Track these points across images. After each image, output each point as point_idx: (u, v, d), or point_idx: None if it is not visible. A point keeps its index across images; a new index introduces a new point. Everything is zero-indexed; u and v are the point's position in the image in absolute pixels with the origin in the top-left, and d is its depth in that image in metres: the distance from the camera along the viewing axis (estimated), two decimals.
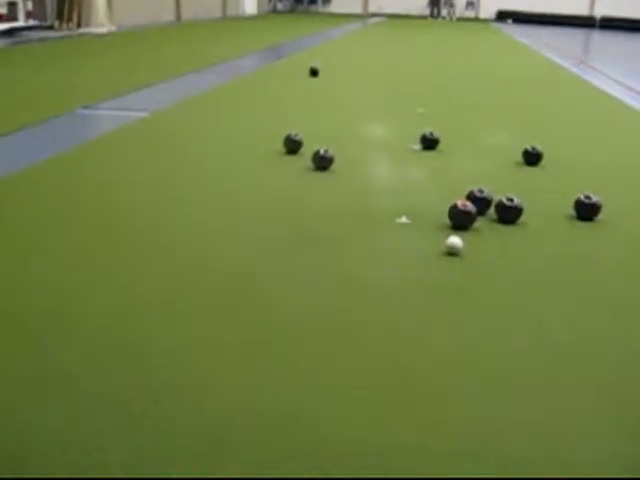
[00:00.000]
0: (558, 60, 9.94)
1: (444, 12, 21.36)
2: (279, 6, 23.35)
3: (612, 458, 1.44)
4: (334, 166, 3.49)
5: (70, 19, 11.91)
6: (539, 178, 3.55)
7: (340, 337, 1.88)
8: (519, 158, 3.78)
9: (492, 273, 2.36)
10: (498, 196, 2.84)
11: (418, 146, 4.03)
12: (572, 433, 1.51)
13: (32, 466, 1.34)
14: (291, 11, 23.00)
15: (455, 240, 2.47)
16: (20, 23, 11.11)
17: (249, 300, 2.08)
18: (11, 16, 10.97)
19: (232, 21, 17.33)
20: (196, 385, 1.63)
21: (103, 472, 1.33)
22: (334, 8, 22.66)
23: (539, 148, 3.76)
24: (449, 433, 1.49)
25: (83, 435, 1.44)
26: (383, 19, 20.30)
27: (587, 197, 2.88)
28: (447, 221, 2.72)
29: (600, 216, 2.88)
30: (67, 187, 3.14)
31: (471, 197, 2.84)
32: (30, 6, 11.45)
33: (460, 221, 2.70)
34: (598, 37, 17.74)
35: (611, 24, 19.94)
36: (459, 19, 21.00)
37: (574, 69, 8.80)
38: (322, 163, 3.48)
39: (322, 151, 3.49)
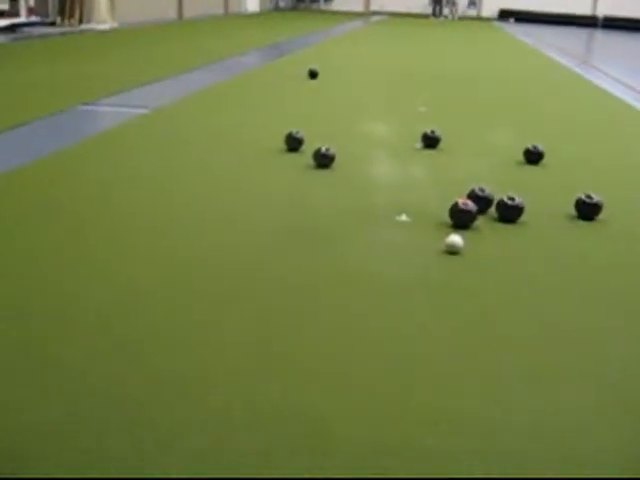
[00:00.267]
0: (560, 59, 9.93)
1: (446, 11, 21.34)
2: (281, 3, 23.34)
3: (613, 457, 1.44)
4: (335, 164, 3.49)
5: (72, 15, 11.90)
6: (540, 177, 3.55)
7: (340, 333, 1.88)
8: (520, 157, 3.78)
9: (492, 272, 2.35)
10: (499, 195, 2.84)
11: (419, 144, 4.03)
12: (573, 432, 1.51)
13: (31, 461, 1.34)
14: (293, 9, 22.99)
15: (455, 238, 2.46)
16: (22, 19, 11.10)
17: (249, 295, 2.08)
18: (13, 12, 10.96)
19: (234, 18, 17.32)
20: (196, 380, 1.63)
21: (101, 465, 1.33)
22: (336, 6, 22.65)
23: (540, 147, 3.76)
24: (449, 431, 1.49)
25: (82, 429, 1.44)
26: (385, 17, 20.28)
27: (588, 197, 2.88)
28: (447, 219, 2.72)
29: (601, 216, 2.87)
30: (67, 183, 3.14)
31: (472, 196, 2.84)
32: (32, 2, 11.45)
33: (460, 220, 2.70)
34: (600, 37, 17.73)
35: (614, 24, 19.92)
36: (461, 18, 20.98)
37: (576, 69, 8.79)
38: (323, 161, 3.48)
39: (323, 149, 3.49)
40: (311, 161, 3.50)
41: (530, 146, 3.77)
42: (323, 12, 21.98)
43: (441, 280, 2.28)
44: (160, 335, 1.83)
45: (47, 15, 11.84)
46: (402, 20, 19.06)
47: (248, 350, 1.78)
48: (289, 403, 1.56)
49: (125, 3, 12.87)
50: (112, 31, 11.80)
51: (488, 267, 2.39)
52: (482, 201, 2.83)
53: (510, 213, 2.80)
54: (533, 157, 3.74)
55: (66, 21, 11.83)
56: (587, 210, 2.88)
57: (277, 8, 22.96)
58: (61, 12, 11.90)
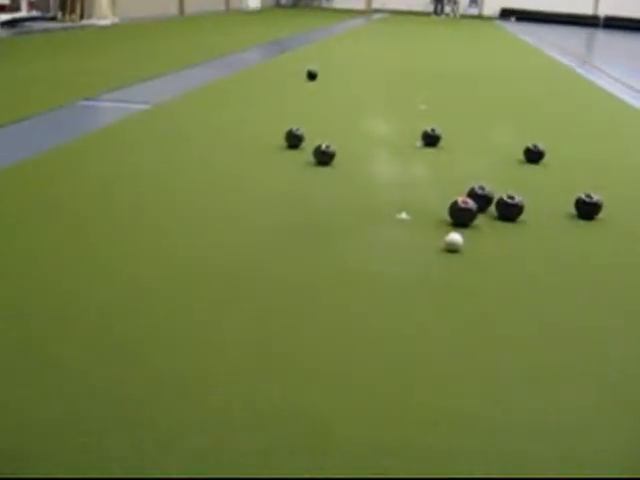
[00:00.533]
0: (561, 59, 9.93)
1: (447, 9, 21.32)
2: (282, 0, 23.31)
3: (613, 457, 1.44)
4: (335, 161, 3.49)
5: (73, 11, 11.88)
6: (540, 176, 3.55)
7: (339, 332, 1.88)
8: (521, 156, 3.77)
9: (491, 270, 2.35)
10: (499, 193, 2.84)
11: (419, 143, 4.03)
12: (573, 432, 1.51)
13: (30, 460, 1.34)
14: (294, 6, 22.96)
15: (455, 237, 2.46)
16: (23, 14, 11.09)
17: (249, 294, 2.08)
18: (14, 6, 10.95)
19: (235, 15, 17.31)
20: (196, 379, 1.63)
21: (101, 463, 1.33)
22: (337, 4, 22.61)
23: (541, 146, 3.76)
24: (449, 430, 1.48)
25: (82, 428, 1.43)
26: (386, 15, 20.26)
27: (588, 196, 2.88)
28: (447, 218, 2.72)
29: (601, 215, 2.87)
30: (67, 179, 3.14)
31: (472, 194, 2.84)
32: None
33: (460, 218, 2.70)
34: (602, 36, 17.72)
35: (615, 24, 19.90)
36: (462, 16, 20.95)
37: (577, 68, 8.78)
38: (323, 158, 3.48)
39: (323, 146, 3.49)
40: (311, 158, 3.50)
41: (530, 145, 3.77)
42: (324, 9, 21.94)
43: (441, 279, 2.27)
44: (160, 335, 1.83)
45: (48, 10, 11.82)
46: (403, 18, 19.04)
47: (248, 350, 1.78)
48: (289, 403, 1.56)
49: None
50: (113, 26, 11.78)
51: (487, 265, 2.39)
52: (482, 199, 2.83)
53: (510, 212, 2.80)
54: (533, 156, 3.74)
55: (67, 16, 11.82)
56: (587, 209, 2.88)
57: (278, 5, 22.93)
58: (62, 7, 11.88)
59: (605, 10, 20.70)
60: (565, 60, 9.76)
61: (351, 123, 4.64)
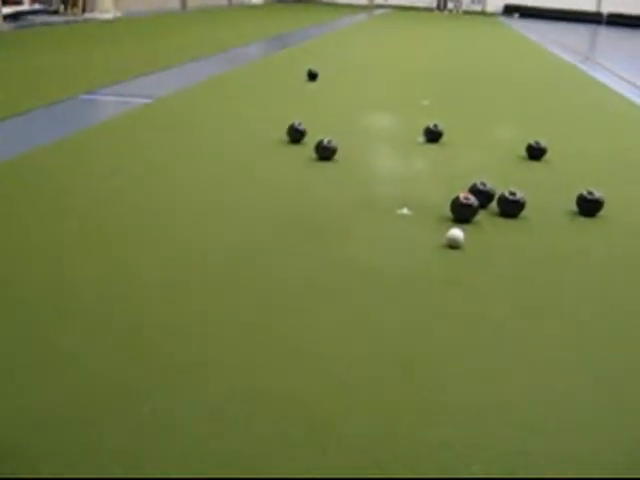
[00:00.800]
0: (564, 56, 9.91)
1: (450, 5, 21.27)
2: None
3: (613, 455, 1.45)
4: (337, 156, 3.49)
5: (75, 4, 11.87)
6: (542, 173, 3.55)
7: (339, 323, 1.88)
8: (523, 152, 3.77)
9: (492, 266, 2.36)
10: (500, 190, 2.84)
11: (422, 138, 4.03)
12: (571, 426, 1.51)
13: (29, 446, 1.35)
14: (296, 1, 22.92)
15: (456, 233, 2.46)
16: (25, 7, 11.08)
17: (250, 284, 2.08)
18: (17, 0, 10.93)
19: (237, 9, 17.29)
20: (196, 369, 1.63)
21: (99, 453, 1.34)
22: None
23: (543, 143, 3.75)
24: (449, 423, 1.49)
25: (81, 415, 1.44)
26: (388, 11, 20.23)
27: (590, 193, 2.88)
28: (449, 213, 2.72)
29: (603, 212, 2.87)
30: (68, 172, 3.14)
31: (473, 190, 2.84)
32: None
33: (462, 214, 2.70)
34: (605, 33, 17.68)
35: (618, 20, 19.86)
36: (465, 12, 20.91)
37: (580, 65, 8.77)
38: (325, 153, 3.48)
39: (325, 141, 3.49)
40: (313, 153, 3.50)
41: (532, 142, 3.76)
42: (326, 4, 21.90)
43: (441, 274, 2.28)
44: (160, 325, 1.83)
45: (51, 3, 11.81)
46: (406, 14, 19.01)
47: (248, 341, 1.78)
48: (288, 394, 1.56)
49: None
50: (115, 20, 11.77)
51: (488, 262, 2.40)
52: (483, 195, 2.83)
53: (511, 208, 2.80)
54: (535, 153, 3.74)
55: (69, 10, 11.81)
56: (588, 206, 2.88)
57: (280, 0, 22.89)
58: (64, 0, 11.87)
59: (608, 7, 20.66)
60: (567, 57, 9.75)
61: (353, 118, 4.63)
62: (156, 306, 1.92)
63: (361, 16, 17.29)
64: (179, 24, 12.14)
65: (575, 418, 1.54)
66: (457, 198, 2.71)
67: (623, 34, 17.21)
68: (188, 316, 1.88)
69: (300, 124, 3.80)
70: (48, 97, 4.69)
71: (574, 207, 2.90)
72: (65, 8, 11.83)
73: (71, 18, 11.44)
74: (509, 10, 21.44)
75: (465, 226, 2.61)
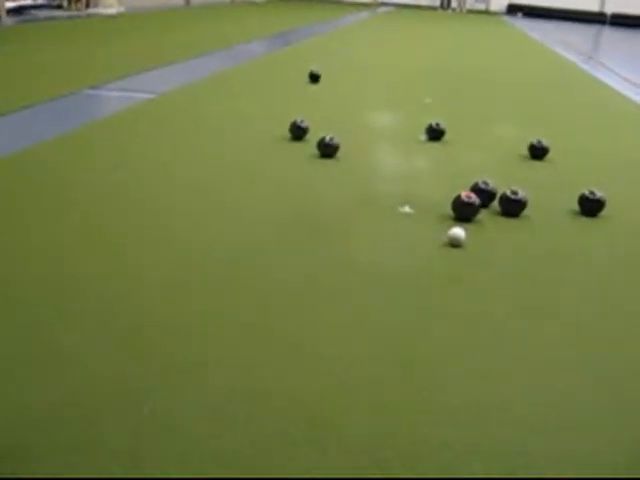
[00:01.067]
0: (567, 55, 9.90)
1: (454, 3, 21.24)
2: None
3: (612, 457, 1.45)
4: (339, 154, 3.49)
5: None
6: (544, 172, 3.55)
7: (340, 323, 1.88)
8: (525, 151, 3.77)
9: (493, 265, 2.36)
10: (502, 189, 2.84)
11: (424, 136, 4.03)
12: (571, 425, 1.51)
13: (29, 444, 1.35)
14: None
15: (457, 231, 2.47)
16: (29, 1, 11.07)
17: (250, 284, 2.08)
18: None
19: (241, 6, 17.26)
20: (196, 368, 1.63)
21: (100, 450, 1.34)
22: None
23: (545, 142, 3.75)
24: (449, 422, 1.49)
25: (81, 413, 1.44)
26: (392, 9, 20.20)
27: (591, 193, 2.88)
28: (450, 212, 2.72)
29: (604, 212, 2.87)
30: (70, 166, 3.14)
31: (475, 189, 2.84)
32: None
33: (463, 212, 2.70)
34: (608, 33, 17.65)
35: (622, 21, 19.82)
36: (469, 11, 20.88)
37: (583, 65, 8.76)
38: (327, 150, 3.48)
39: (327, 138, 3.49)
40: (315, 150, 3.50)
41: (535, 141, 3.76)
42: (330, 2, 21.87)
43: (442, 272, 2.28)
44: (161, 323, 1.84)
45: None
46: (409, 12, 18.98)
47: (248, 339, 1.78)
48: (289, 393, 1.56)
49: None
50: (119, 16, 11.77)
51: (489, 260, 2.40)
52: (485, 194, 2.83)
53: (513, 207, 2.80)
54: (538, 152, 3.74)
55: (73, 5, 11.79)
56: (590, 206, 2.88)
57: None
58: None
59: (612, 7, 20.62)
60: (571, 56, 9.74)
61: (355, 116, 4.63)
62: (156, 305, 1.92)
63: (364, 14, 17.26)
64: (182, 20, 12.12)
65: (575, 418, 1.54)
66: (459, 197, 2.71)
67: (626, 34, 17.17)
68: (188, 315, 1.88)
69: (302, 121, 3.80)
70: (51, 92, 4.69)
71: (576, 206, 2.90)
72: (69, 3, 11.82)
73: (74, 13, 11.43)
74: (513, 9, 21.40)
75: (467, 225, 2.61)
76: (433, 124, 4.03)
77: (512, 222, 2.76)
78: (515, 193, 2.80)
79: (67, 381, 1.55)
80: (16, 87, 4.92)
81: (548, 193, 3.14)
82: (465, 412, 1.53)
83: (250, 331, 1.81)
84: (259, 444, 1.38)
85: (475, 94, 5.83)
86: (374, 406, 1.53)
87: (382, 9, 20.00)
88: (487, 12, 21.55)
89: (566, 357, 1.80)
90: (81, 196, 2.76)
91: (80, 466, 1.30)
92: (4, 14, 9.52)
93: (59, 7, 11.69)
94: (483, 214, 2.76)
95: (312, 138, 3.64)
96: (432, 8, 21.01)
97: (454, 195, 2.73)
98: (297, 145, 3.69)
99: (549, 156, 3.74)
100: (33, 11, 10.86)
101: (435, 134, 4.01)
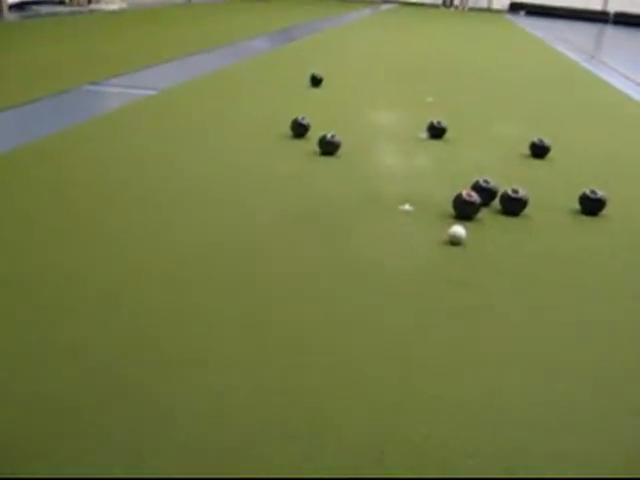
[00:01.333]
0: (569, 54, 9.88)
1: (456, 1, 21.21)
2: None
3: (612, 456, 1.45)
4: (340, 151, 3.49)
5: None
6: (545, 171, 3.54)
7: (340, 319, 1.88)
8: (526, 150, 3.77)
9: (494, 263, 2.35)
10: (503, 187, 2.84)
11: (425, 134, 4.02)
12: (571, 425, 1.51)
13: (31, 434, 1.35)
14: None
15: (458, 229, 2.46)
16: None
17: (250, 279, 2.08)
18: None
19: (244, 2, 17.23)
20: (196, 363, 1.63)
21: (101, 443, 1.34)
22: None
23: (546, 141, 3.75)
24: (449, 421, 1.49)
25: (83, 405, 1.44)
26: (395, 6, 20.18)
27: (592, 192, 2.87)
28: (451, 210, 2.72)
29: (605, 211, 2.87)
30: (70, 162, 3.14)
31: (476, 187, 2.84)
32: None
33: (464, 211, 2.70)
34: (611, 32, 17.63)
35: (625, 20, 19.79)
36: (471, 9, 20.85)
37: (585, 64, 8.75)
38: (328, 148, 3.48)
39: (329, 136, 3.49)
40: (316, 148, 3.49)
41: (536, 140, 3.76)
42: None
43: (442, 271, 2.28)
44: (161, 318, 1.84)
45: None
46: (412, 9, 18.96)
47: (248, 335, 1.78)
48: (288, 389, 1.56)
49: None
50: (121, 12, 11.76)
51: (490, 259, 2.39)
52: (486, 193, 2.83)
53: (514, 206, 2.80)
54: (539, 151, 3.74)
55: (75, 0, 11.78)
56: (591, 205, 2.87)
57: None
58: None
59: (615, 6, 20.59)
60: (573, 55, 9.72)
61: (356, 113, 4.63)
62: (156, 301, 1.92)
63: (367, 11, 17.25)
64: (184, 16, 12.11)
65: (575, 418, 1.54)
66: (460, 195, 2.71)
67: (629, 34, 17.15)
68: (188, 311, 1.88)
69: (304, 118, 3.79)
70: (52, 88, 4.69)
71: (577, 205, 2.90)
72: None
73: (76, 9, 11.42)
74: (515, 7, 21.37)
75: (467, 223, 2.61)
76: (434, 122, 4.02)
77: (513, 221, 2.76)
78: (516, 192, 2.80)
79: (68, 374, 1.55)
80: (17, 83, 4.92)
81: (549, 192, 3.13)
82: (465, 411, 1.53)
83: (250, 328, 1.81)
84: (259, 443, 1.38)
85: (477, 92, 5.83)
86: (374, 405, 1.53)
87: (385, 6, 19.97)
88: (489, 10, 21.52)
89: (566, 357, 1.80)
90: (81, 191, 2.75)
91: (80, 463, 1.29)
92: (6, 10, 9.51)
93: (61, 3, 11.69)
94: (484, 213, 2.76)
95: (313, 136, 3.64)
96: (434, 6, 20.99)
97: (455, 193, 2.72)
98: (298, 142, 3.69)
99: (550, 155, 3.73)
100: (35, 7, 10.85)
101: (436, 132, 4.01)
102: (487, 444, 1.42)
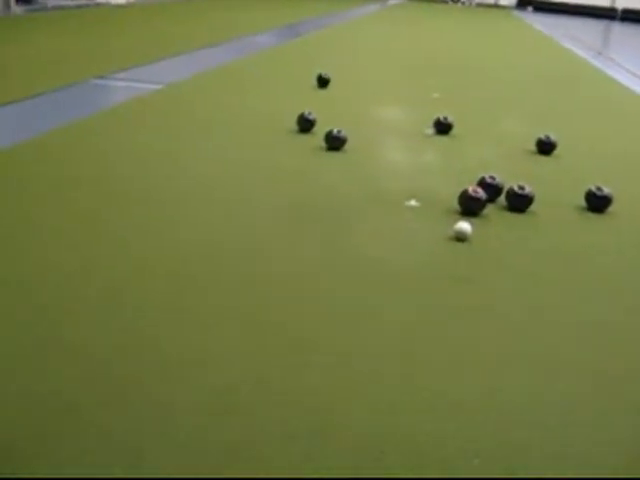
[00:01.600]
0: (576, 50, 9.85)
1: None
2: None
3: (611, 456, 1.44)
4: (346, 147, 3.48)
5: None
6: (552, 167, 3.53)
7: (343, 316, 1.88)
8: (532, 146, 3.76)
9: (499, 260, 2.35)
10: (509, 184, 2.83)
11: (431, 130, 4.02)
12: (571, 426, 1.51)
13: (31, 430, 1.35)
14: None
15: (464, 225, 2.46)
16: None
17: (253, 275, 2.08)
18: None
19: None
20: (197, 362, 1.63)
21: (101, 442, 1.34)
22: None
23: (553, 137, 3.74)
24: (449, 421, 1.49)
25: (83, 404, 1.45)
26: (402, 1, 20.12)
27: (599, 189, 2.87)
28: (457, 206, 2.71)
29: (611, 208, 2.86)
30: (75, 157, 3.14)
31: (482, 183, 2.83)
32: None
33: (470, 207, 2.69)
34: (619, 29, 17.56)
35: (633, 17, 19.71)
36: (479, 5, 20.78)
37: (593, 60, 8.71)
38: (334, 143, 3.47)
39: (335, 131, 3.48)
40: (322, 143, 3.49)
41: (542, 136, 3.75)
42: None
43: (448, 267, 2.27)
44: (161, 317, 1.84)
45: None
46: (419, 4, 18.90)
47: (249, 333, 1.78)
48: (289, 387, 1.56)
49: None
50: (128, 6, 11.75)
51: (495, 255, 2.39)
52: (492, 189, 2.82)
53: (520, 202, 2.79)
54: (545, 147, 3.73)
55: None
56: (597, 202, 2.87)
57: None
58: None
59: (623, 3, 20.50)
60: (580, 52, 9.69)
61: (363, 109, 4.62)
62: (158, 299, 1.92)
63: (374, 6, 17.20)
64: (191, 10, 12.09)
65: (575, 417, 1.54)
66: (466, 191, 2.70)
67: (637, 30, 17.08)
68: (190, 308, 1.87)
69: (310, 113, 3.79)
70: (58, 81, 4.69)
71: (583, 202, 2.89)
72: None
73: (83, 2, 11.41)
74: (523, 3, 21.29)
75: (473, 219, 2.61)
76: (441, 118, 4.01)
77: (518, 217, 2.75)
78: (522, 188, 2.79)
79: (68, 372, 1.55)
80: (23, 76, 4.92)
81: (555, 188, 3.12)
82: (466, 411, 1.53)
83: (252, 325, 1.81)
84: (259, 443, 1.37)
85: (483, 88, 5.81)
86: (374, 404, 1.53)
87: (392, 1, 19.92)
88: (497, 6, 21.45)
89: (567, 356, 1.79)
90: (84, 188, 2.75)
91: (80, 463, 1.29)
92: (13, 3, 9.52)
93: None
94: (489, 209, 2.75)
95: (319, 131, 3.63)
96: (442, 1, 20.92)
97: (461, 189, 2.72)
98: (304, 137, 3.69)
99: (556, 151, 3.72)
100: (41, 0, 10.85)
101: (443, 128, 4.00)
102: (487, 443, 1.42)
